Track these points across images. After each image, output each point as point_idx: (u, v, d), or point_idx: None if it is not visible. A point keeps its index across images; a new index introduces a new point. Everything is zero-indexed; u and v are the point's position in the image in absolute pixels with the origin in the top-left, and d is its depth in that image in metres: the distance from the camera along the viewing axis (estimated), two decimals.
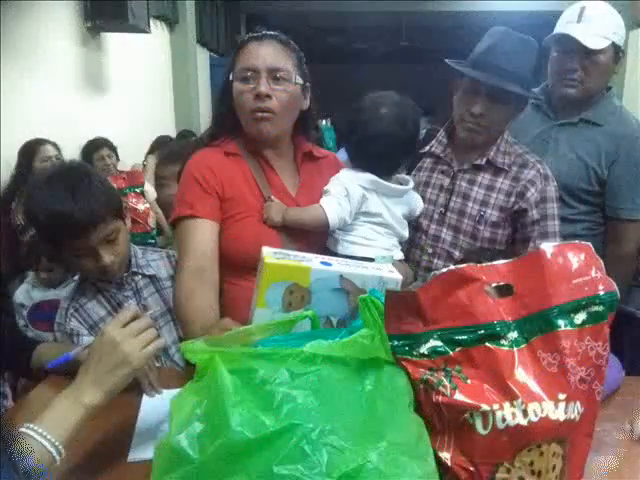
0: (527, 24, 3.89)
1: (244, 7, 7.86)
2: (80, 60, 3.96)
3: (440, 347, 0.73)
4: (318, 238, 1.39)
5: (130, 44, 4.61)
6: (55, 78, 3.64)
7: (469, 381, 0.71)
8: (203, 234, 1.29)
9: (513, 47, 1.46)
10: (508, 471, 0.70)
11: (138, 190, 3.20)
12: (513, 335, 0.72)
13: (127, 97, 4.65)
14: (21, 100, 3.22)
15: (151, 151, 3.93)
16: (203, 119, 5.92)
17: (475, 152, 1.57)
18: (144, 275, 1.45)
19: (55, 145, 3.09)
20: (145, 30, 4.28)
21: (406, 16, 8.60)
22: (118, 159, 3.72)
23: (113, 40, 4.35)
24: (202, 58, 6.38)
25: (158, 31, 5.35)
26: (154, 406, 1.07)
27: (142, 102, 4.98)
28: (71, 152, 3.38)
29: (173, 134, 4.87)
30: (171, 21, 5.55)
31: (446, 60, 1.55)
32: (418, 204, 1.54)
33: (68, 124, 3.59)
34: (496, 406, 0.69)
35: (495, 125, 1.52)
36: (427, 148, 1.66)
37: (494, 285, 0.75)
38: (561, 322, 0.72)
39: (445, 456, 0.72)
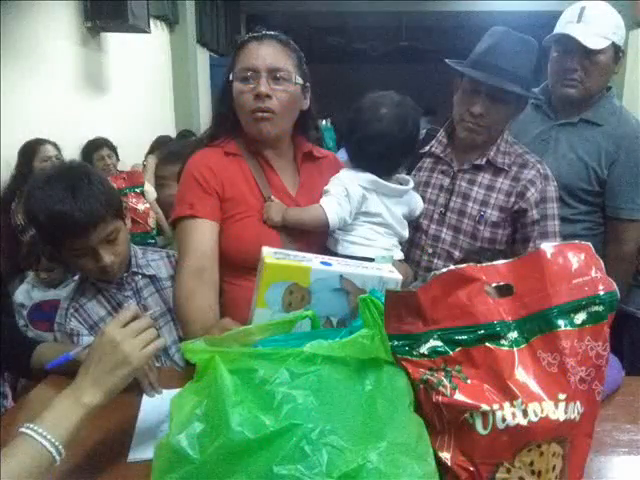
0: (527, 24, 3.91)
1: (244, 7, 7.87)
2: (80, 60, 3.96)
3: (440, 347, 0.73)
4: (318, 238, 1.39)
5: (130, 44, 4.61)
6: (55, 78, 3.64)
7: (469, 381, 0.71)
8: (203, 234, 1.29)
9: (513, 47, 1.46)
10: (508, 471, 0.70)
11: (138, 190, 3.20)
12: (513, 335, 0.72)
13: (127, 97, 4.65)
14: (21, 100, 3.22)
15: (151, 151, 3.92)
16: (203, 119, 5.91)
17: (475, 152, 1.57)
18: (144, 275, 1.45)
19: (55, 145, 3.09)
20: (145, 30, 4.28)
21: (406, 16, 8.62)
22: (118, 159, 3.72)
23: (113, 40, 4.36)
24: (202, 58, 6.37)
25: (158, 31, 5.35)
26: (154, 406, 1.07)
27: (142, 102, 4.98)
28: (71, 152, 3.38)
29: (173, 134, 4.87)
30: (171, 21, 5.55)
31: (446, 60, 1.55)
32: (418, 204, 1.54)
33: (68, 124, 3.59)
34: (496, 406, 0.69)
35: (495, 125, 1.52)
36: (427, 148, 1.66)
37: (494, 285, 0.75)
38: (561, 322, 0.72)
39: (445, 456, 0.72)
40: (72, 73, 3.87)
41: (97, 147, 3.62)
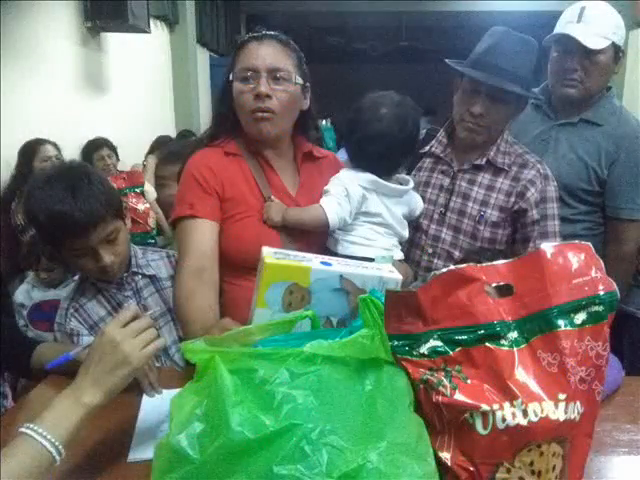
0: (527, 24, 3.91)
1: (244, 7, 7.87)
2: (80, 60, 3.96)
3: (440, 347, 0.73)
4: (318, 238, 1.39)
5: (130, 44, 4.61)
6: (55, 78, 3.64)
7: (469, 381, 0.71)
8: (203, 234, 1.29)
9: (513, 47, 1.46)
10: (508, 471, 0.70)
11: (138, 190, 3.20)
12: (513, 335, 0.72)
13: (127, 97, 4.65)
14: (21, 100, 3.22)
15: (151, 151, 3.92)
16: (203, 119, 5.92)
17: (475, 152, 1.57)
18: (144, 275, 1.45)
19: (55, 145, 3.09)
20: (145, 30, 4.29)
21: (406, 16, 8.62)
22: (118, 159, 3.73)
23: (113, 40, 4.36)
24: (202, 58, 6.38)
25: (158, 31, 5.35)
26: (154, 406, 1.07)
27: (142, 102, 4.98)
28: (71, 152, 3.38)
29: (173, 134, 4.87)
30: (171, 21, 5.55)
31: (446, 60, 1.55)
32: (418, 204, 1.54)
33: (68, 124, 3.59)
34: (496, 406, 0.69)
35: (495, 125, 1.52)
36: (427, 148, 1.66)
37: (494, 285, 0.75)
38: (561, 322, 0.72)
39: (445, 456, 0.72)
40: (72, 73, 3.87)
41: (97, 147, 3.62)
